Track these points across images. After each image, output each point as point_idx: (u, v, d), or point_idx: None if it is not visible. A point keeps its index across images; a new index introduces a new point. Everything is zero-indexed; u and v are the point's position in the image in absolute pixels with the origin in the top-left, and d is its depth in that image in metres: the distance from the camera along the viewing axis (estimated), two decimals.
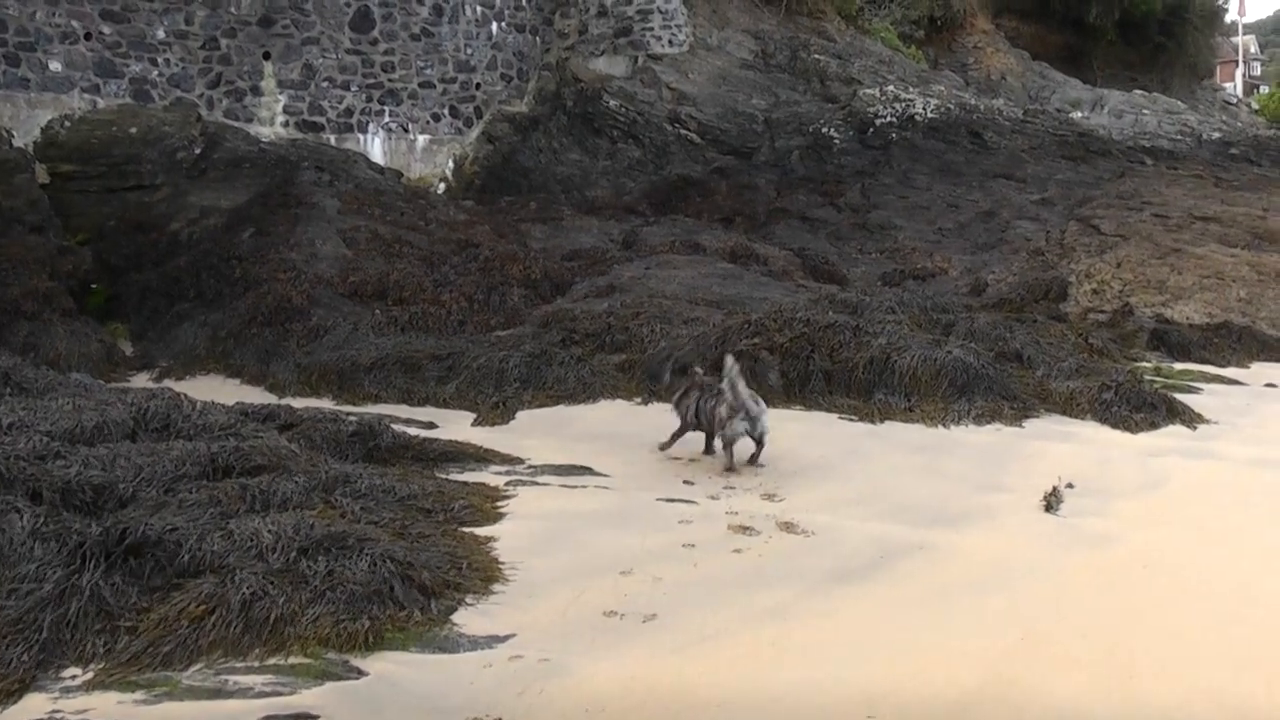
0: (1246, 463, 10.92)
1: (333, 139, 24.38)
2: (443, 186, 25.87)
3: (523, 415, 12.99)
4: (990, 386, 12.99)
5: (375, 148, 25.12)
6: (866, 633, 6.86)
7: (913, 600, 7.39)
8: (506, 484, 9.93)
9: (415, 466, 10.32)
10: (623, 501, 9.52)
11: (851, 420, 12.47)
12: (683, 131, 28.30)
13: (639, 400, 13.38)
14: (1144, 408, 12.65)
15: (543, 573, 7.72)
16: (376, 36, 25.25)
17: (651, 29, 29.37)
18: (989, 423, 12.30)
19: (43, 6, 20.95)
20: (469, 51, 27.03)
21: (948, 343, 13.98)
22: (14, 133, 20.32)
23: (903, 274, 20.97)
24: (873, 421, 12.40)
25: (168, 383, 14.68)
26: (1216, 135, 33.67)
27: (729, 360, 10.60)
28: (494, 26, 27.67)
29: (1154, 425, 12.33)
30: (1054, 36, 46.39)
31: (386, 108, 25.49)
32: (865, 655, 6.53)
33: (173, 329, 17.03)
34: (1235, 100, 56.78)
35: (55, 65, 21.15)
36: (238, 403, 12.02)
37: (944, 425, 12.24)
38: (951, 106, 30.51)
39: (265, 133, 23.40)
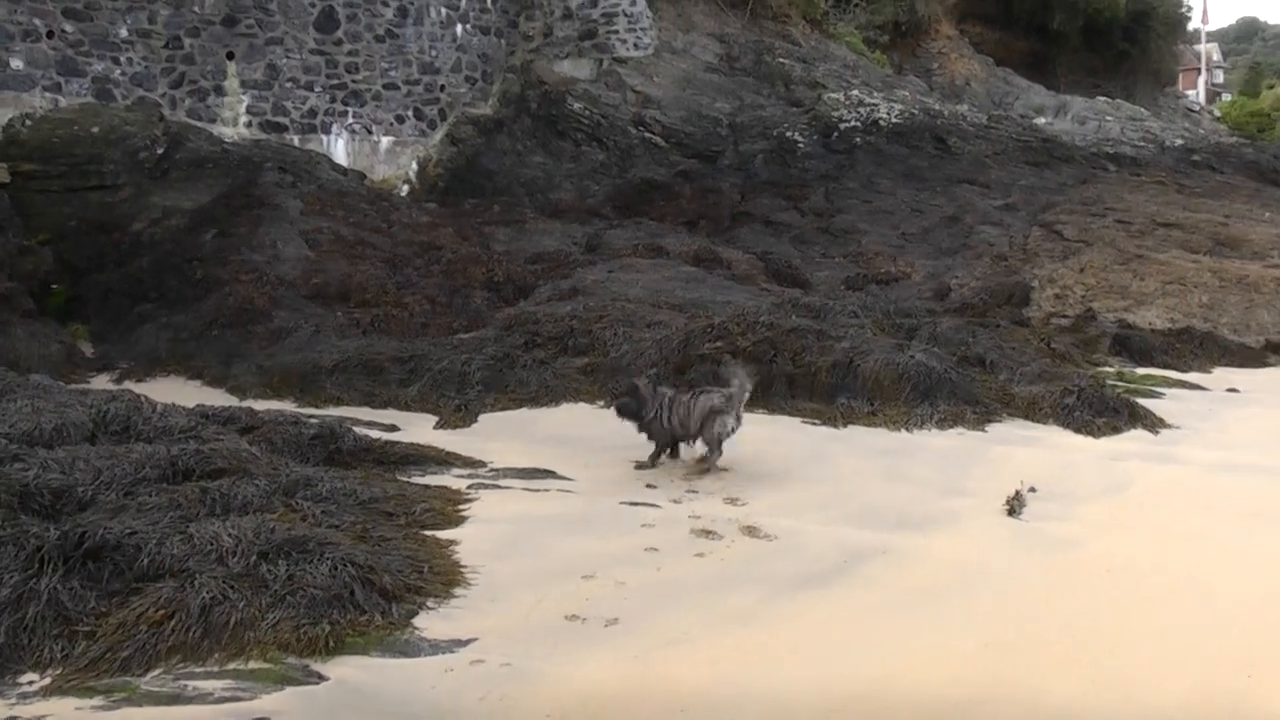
0: (1208, 467, 10.98)
1: (296, 140, 24.31)
2: (406, 189, 25.83)
3: (485, 418, 12.97)
4: (953, 391, 13.02)
5: (339, 149, 25.06)
6: (830, 637, 6.87)
7: (876, 605, 7.39)
8: (469, 487, 9.90)
9: (377, 469, 10.29)
10: (585, 505, 9.50)
11: (814, 424, 12.47)
12: (647, 135, 28.34)
13: (601, 404, 13.35)
14: (1106, 412, 12.71)
15: (505, 576, 7.69)
16: (341, 37, 25.19)
17: (616, 32, 29.40)
18: (952, 427, 12.33)
19: (4, 4, 20.79)
20: (433, 53, 27.00)
21: (911, 347, 14.01)
22: None
23: (866, 278, 21.01)
24: (836, 426, 12.41)
25: (128, 384, 14.60)
26: (1179, 142, 33.97)
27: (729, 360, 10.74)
28: (459, 29, 27.64)
29: (1116, 430, 12.38)
30: (1018, 43, 46.64)
31: (350, 109, 25.43)
32: (829, 660, 6.53)
33: (134, 330, 16.94)
34: (1198, 107, 57.23)
35: (17, 63, 21.00)
36: (199, 405, 11.94)
37: (907, 429, 12.27)
38: (916, 111, 30.66)
39: (228, 133, 23.31)
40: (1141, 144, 33.39)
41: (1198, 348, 17.16)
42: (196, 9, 23.10)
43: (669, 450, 10.73)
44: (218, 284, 17.47)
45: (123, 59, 22.26)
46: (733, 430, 10.48)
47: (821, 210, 25.49)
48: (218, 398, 13.96)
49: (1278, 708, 6.10)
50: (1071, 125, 34.60)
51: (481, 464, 10.76)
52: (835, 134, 29.22)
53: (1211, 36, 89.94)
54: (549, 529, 8.77)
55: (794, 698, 6.10)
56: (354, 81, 25.46)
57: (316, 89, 24.82)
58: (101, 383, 15.01)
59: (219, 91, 23.47)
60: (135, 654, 6.26)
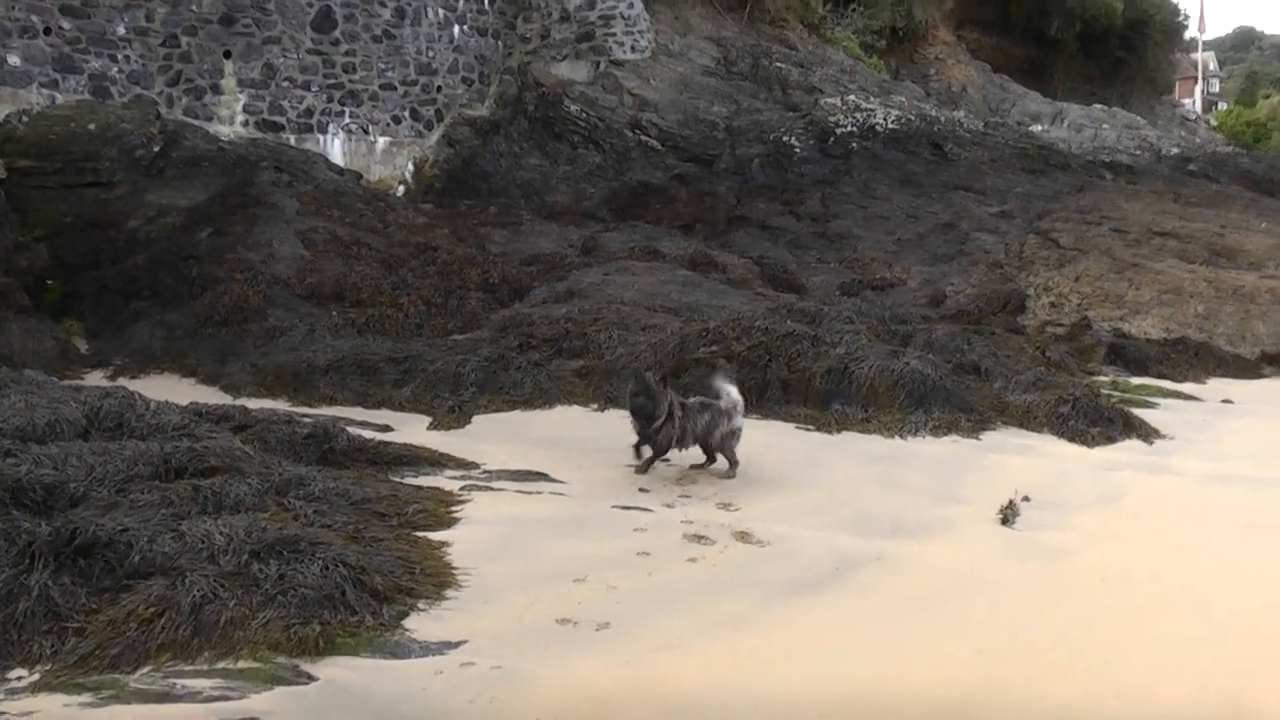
0: (1203, 478, 10.99)
1: (292, 139, 24.29)
2: (402, 189, 25.81)
3: (479, 420, 12.95)
4: (948, 398, 13.03)
5: (335, 149, 25.04)
6: (823, 643, 6.85)
7: (869, 612, 7.37)
8: (461, 489, 9.88)
9: (370, 470, 10.27)
10: (578, 508, 9.48)
11: (809, 430, 12.47)
12: (643, 138, 28.33)
13: (596, 406, 13.36)
14: (1101, 422, 12.71)
15: (496, 579, 7.67)
16: (338, 37, 25.16)
17: (614, 34, 29.39)
18: (946, 434, 12.33)
19: (2, 1, 20.78)
20: (430, 54, 26.96)
21: (906, 354, 14.01)
22: None
23: (861, 284, 21.03)
24: (830, 432, 12.41)
25: (122, 381, 14.59)
26: (1175, 151, 34.03)
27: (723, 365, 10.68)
28: (456, 30, 27.61)
29: (1110, 440, 12.39)
30: (1015, 49, 46.70)
31: (347, 109, 25.41)
32: (822, 665, 6.52)
33: (128, 327, 16.93)
34: (1194, 116, 57.29)
35: (14, 60, 20.99)
36: (192, 403, 11.92)
37: (901, 436, 12.26)
38: (912, 117, 30.69)
39: (225, 132, 23.29)
40: (1138, 152, 33.43)
41: (1193, 358, 17.18)
42: (194, 8, 23.10)
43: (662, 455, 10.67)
44: (213, 282, 17.47)
45: (120, 57, 22.25)
46: (740, 428, 10.58)
47: (817, 215, 25.49)
48: (211, 396, 13.95)
49: (1273, 716, 6.10)
50: (1068, 133, 34.64)
51: (474, 465, 10.74)
52: (832, 139, 29.24)
53: (1208, 45, 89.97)
54: (541, 531, 8.75)
55: (786, 703, 6.09)
56: (351, 81, 25.43)
57: (313, 88, 24.79)
58: (95, 379, 15.00)
59: (216, 90, 23.45)
60: (125, 651, 6.24)
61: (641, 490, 10.01)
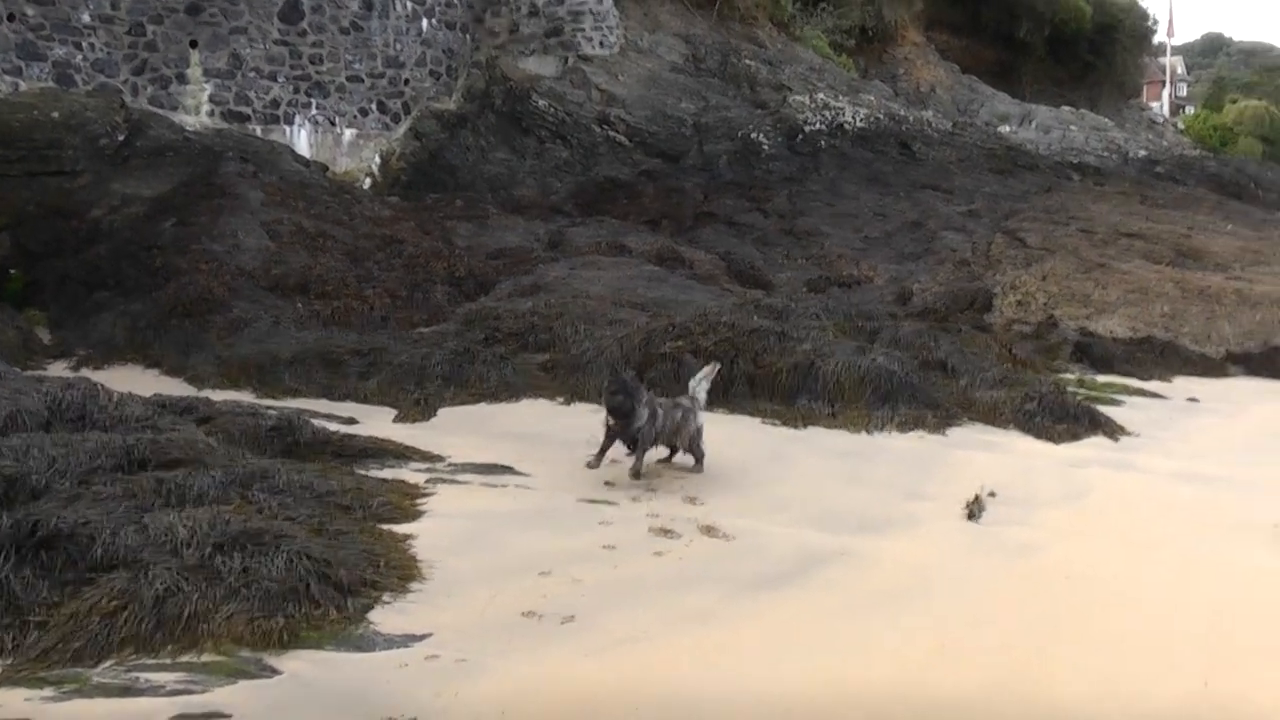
0: (1168, 475, 11.05)
1: (258, 130, 24.13)
2: (368, 182, 25.69)
3: (444, 413, 12.92)
4: (914, 394, 13.06)
5: (301, 140, 24.91)
6: (787, 639, 6.85)
7: (834, 607, 7.38)
8: (426, 482, 9.86)
9: (334, 462, 10.21)
10: (543, 501, 9.47)
11: (775, 425, 12.47)
12: (611, 133, 28.32)
13: (561, 400, 13.35)
14: (1066, 419, 12.76)
15: (461, 572, 7.66)
16: (305, 28, 25.02)
17: (583, 30, 29.38)
18: (912, 430, 12.35)
19: None
20: (398, 47, 26.85)
21: (872, 350, 14.04)
22: None
23: (828, 281, 21.03)
24: (796, 427, 12.41)
25: (85, 372, 14.46)
26: (1143, 153, 34.28)
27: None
28: (424, 23, 27.52)
29: (1076, 436, 12.44)
30: (985, 51, 46.84)
31: (314, 100, 25.28)
32: (785, 661, 6.52)
33: (91, 318, 16.82)
34: (1162, 120, 57.57)
35: None
36: (156, 394, 11.86)
37: (867, 432, 12.28)
38: (881, 116, 30.80)
39: (190, 121, 23.13)
40: (1105, 154, 33.62)
41: (1159, 357, 17.24)
42: None
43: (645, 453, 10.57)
44: (177, 273, 17.34)
45: (84, 44, 22.09)
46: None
47: (785, 212, 25.51)
48: (175, 387, 13.87)
49: (1234, 713, 6.12)
50: (1036, 134, 34.81)
51: (440, 458, 10.70)
52: (800, 136, 29.30)
53: (1176, 50, 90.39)
54: (506, 525, 8.74)
55: (750, 697, 6.08)
56: (318, 73, 25.30)
57: (280, 79, 24.66)
58: (58, 370, 14.88)
59: (181, 79, 23.30)
60: (87, 645, 6.20)
61: (607, 484, 9.99)
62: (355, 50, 25.96)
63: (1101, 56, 49.67)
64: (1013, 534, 9.07)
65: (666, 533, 8.67)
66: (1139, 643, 6.91)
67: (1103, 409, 13.40)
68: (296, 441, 10.52)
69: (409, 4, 27.06)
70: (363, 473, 9.99)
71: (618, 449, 10.30)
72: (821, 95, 30.93)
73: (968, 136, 31.55)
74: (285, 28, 24.70)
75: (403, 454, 10.76)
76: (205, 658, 6.20)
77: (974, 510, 9.57)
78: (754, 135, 29.03)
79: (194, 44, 23.43)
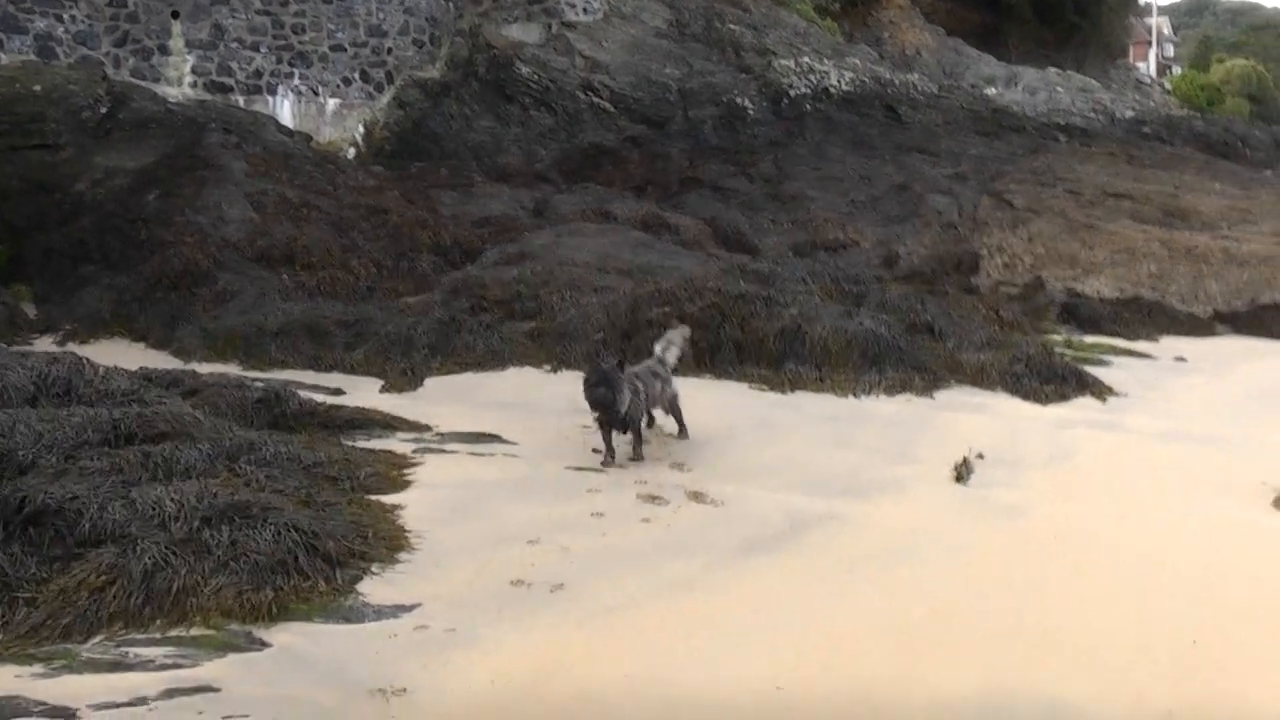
0: (1154, 435, 11.09)
1: (242, 101, 23.99)
2: (353, 151, 25.58)
3: (431, 382, 12.91)
4: (901, 358, 13.07)
5: (284, 111, 24.77)
6: (776, 604, 6.87)
7: (823, 571, 7.40)
8: (414, 452, 9.87)
9: (322, 434, 10.22)
10: (531, 470, 9.49)
11: (762, 390, 12.48)
12: (596, 100, 28.21)
13: (548, 368, 13.34)
14: (1054, 380, 12.80)
15: (450, 542, 7.67)
16: None
17: None
18: (900, 393, 12.38)
19: None
20: (381, 16, 26.69)
21: (859, 314, 14.06)
22: None
23: (814, 245, 21.01)
24: (783, 391, 12.42)
25: (71, 346, 14.44)
26: (1130, 114, 34.21)
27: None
28: None
29: (1064, 397, 12.48)
30: (970, 14, 46.61)
31: (296, 70, 25.13)
32: (774, 627, 6.53)
33: (77, 291, 16.77)
34: (1148, 81, 57.41)
35: None
36: (142, 368, 11.84)
37: (854, 396, 12.30)
38: (866, 80, 30.69)
39: (173, 93, 23.00)
40: (1092, 115, 33.57)
41: (1146, 317, 17.28)
42: None
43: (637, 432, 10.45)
44: (161, 246, 17.28)
45: (66, 17, 21.93)
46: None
47: (770, 177, 25.43)
48: (161, 360, 13.85)
49: (1219, 672, 6.14)
50: (1022, 96, 34.70)
51: (427, 428, 10.71)
52: (785, 101, 29.21)
53: (1162, 11, 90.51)
54: (494, 494, 8.75)
55: (737, 664, 6.09)
56: (300, 43, 25.15)
57: (262, 50, 24.51)
58: (44, 345, 14.85)
59: (163, 51, 23.16)
60: (76, 621, 6.21)
61: (594, 451, 9.99)
62: (338, 19, 25.81)
63: (1087, 17, 49.46)
64: (1000, 495, 9.10)
65: (655, 499, 8.69)
66: (1126, 601, 6.93)
67: (1090, 370, 13.44)
68: (283, 413, 10.52)
69: None
70: (350, 444, 10.00)
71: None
72: (806, 59, 30.82)
73: (953, 99, 31.47)
74: None
75: (390, 424, 10.77)
76: (194, 631, 6.20)
77: (962, 472, 9.60)
78: (739, 100, 28.93)
79: (175, 15, 23.27)
